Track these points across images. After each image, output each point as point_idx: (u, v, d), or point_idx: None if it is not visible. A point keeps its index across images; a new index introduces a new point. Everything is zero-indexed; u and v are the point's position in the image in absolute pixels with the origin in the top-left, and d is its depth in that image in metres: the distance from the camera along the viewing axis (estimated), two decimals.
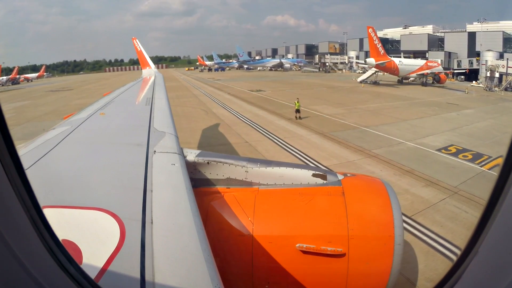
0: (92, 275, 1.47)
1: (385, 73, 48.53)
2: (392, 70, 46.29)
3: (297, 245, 2.69)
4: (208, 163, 3.25)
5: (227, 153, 12.88)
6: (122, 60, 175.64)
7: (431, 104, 27.79)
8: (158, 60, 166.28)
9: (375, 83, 46.78)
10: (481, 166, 12.03)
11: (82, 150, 3.60)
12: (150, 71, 15.66)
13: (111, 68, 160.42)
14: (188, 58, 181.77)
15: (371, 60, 45.77)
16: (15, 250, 1.07)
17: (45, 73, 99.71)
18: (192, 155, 3.27)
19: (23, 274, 1.10)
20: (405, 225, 7.82)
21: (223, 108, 25.96)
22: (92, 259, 1.63)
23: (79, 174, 2.78)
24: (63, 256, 1.28)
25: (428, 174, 11.14)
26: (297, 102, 21.01)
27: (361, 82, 47.36)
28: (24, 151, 3.25)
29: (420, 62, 49.02)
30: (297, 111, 20.67)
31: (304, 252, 2.69)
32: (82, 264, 1.56)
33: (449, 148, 14.35)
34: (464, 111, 24.50)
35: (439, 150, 14.10)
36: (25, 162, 2.48)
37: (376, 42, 46.09)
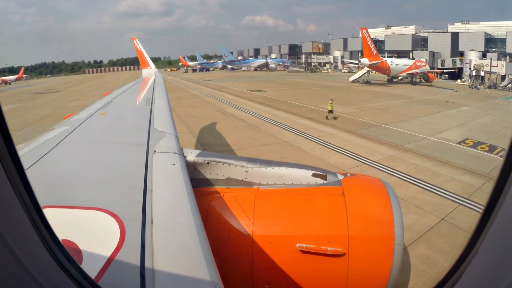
0: (92, 275, 1.47)
1: (376, 73, 49.80)
2: (384, 69, 47.87)
3: (297, 245, 2.68)
4: (208, 163, 3.24)
5: (276, 154, 13.33)
6: (101, 62, 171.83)
7: (429, 102, 28.93)
8: (137, 61, 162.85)
9: (367, 82, 47.98)
10: (500, 156, 13.16)
11: (82, 150, 3.60)
12: (150, 71, 15.65)
13: (90, 69, 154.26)
14: (168, 59, 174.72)
15: (365, 60, 47.10)
16: (15, 250, 1.07)
17: (23, 75, 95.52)
18: (192, 155, 3.27)
19: (23, 274, 1.10)
20: (468, 205, 8.80)
21: (236, 108, 25.65)
22: (92, 259, 1.63)
23: (79, 174, 2.78)
24: (63, 256, 1.28)
25: (461, 163, 12.42)
26: (331, 103, 21.10)
27: (353, 81, 48.51)
28: (24, 151, 3.25)
29: (409, 62, 50.86)
30: (330, 111, 20.84)
31: (304, 252, 2.68)
32: (82, 264, 1.55)
33: (466, 141, 15.78)
34: (462, 108, 26.22)
35: (459, 143, 15.54)
36: (25, 162, 2.48)
37: (369, 42, 47.52)
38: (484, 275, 1.32)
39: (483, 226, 1.29)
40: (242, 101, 30.06)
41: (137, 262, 1.60)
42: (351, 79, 49.89)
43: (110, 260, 1.62)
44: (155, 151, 3.14)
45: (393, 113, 23.09)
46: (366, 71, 48.65)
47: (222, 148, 14.12)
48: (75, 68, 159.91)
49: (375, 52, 47.99)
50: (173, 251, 1.72)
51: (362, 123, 19.81)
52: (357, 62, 55.12)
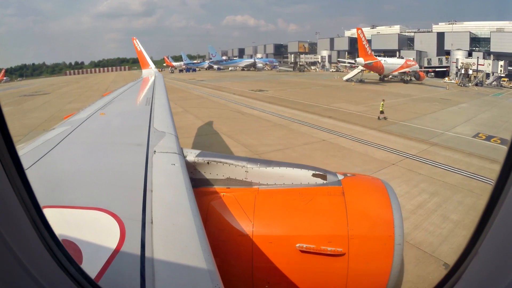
0: (92, 275, 1.47)
1: (366, 71, 51.29)
2: (378, 69, 49.50)
3: (297, 245, 2.68)
4: (208, 163, 3.24)
5: (324, 152, 13.78)
6: (82, 63, 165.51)
7: (429, 100, 30.08)
8: (120, 62, 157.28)
9: (361, 81, 49.30)
10: None
11: (82, 150, 3.60)
12: (150, 71, 15.65)
13: (71, 71, 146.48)
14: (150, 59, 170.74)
15: (360, 60, 48.61)
16: (15, 250, 1.07)
17: (4, 78, 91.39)
18: (192, 155, 3.26)
19: (23, 274, 1.10)
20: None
21: (251, 108, 25.31)
22: (92, 259, 1.63)
23: (79, 174, 2.78)
24: (63, 256, 1.28)
25: (484, 154, 13.57)
26: (383, 103, 21.36)
27: (347, 80, 49.91)
28: (24, 151, 3.25)
29: (401, 61, 52.66)
30: (382, 112, 21.12)
31: (304, 252, 2.68)
32: (82, 264, 1.55)
33: (479, 135, 17.00)
34: (461, 105, 27.84)
35: (473, 137, 16.78)
36: (25, 162, 2.48)
37: (365, 42, 48.95)
38: (484, 275, 1.32)
39: (483, 226, 1.29)
40: (251, 101, 29.85)
41: (137, 262, 1.60)
42: (345, 78, 51.39)
43: (110, 260, 1.61)
44: (155, 151, 3.14)
45: (403, 111, 23.70)
46: (360, 70, 50.14)
47: (269, 148, 14.31)
48: (56, 70, 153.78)
49: (369, 52, 49.55)
50: (173, 251, 1.72)
51: (380, 120, 20.46)
52: (352, 61, 56.70)
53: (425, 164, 12.38)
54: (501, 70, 48.70)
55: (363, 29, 52.56)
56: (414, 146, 14.84)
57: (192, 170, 3.19)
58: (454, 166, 12.18)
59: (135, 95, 9.09)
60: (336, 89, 40.10)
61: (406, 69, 49.93)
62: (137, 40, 17.13)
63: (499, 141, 15.75)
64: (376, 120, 20.42)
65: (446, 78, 53.10)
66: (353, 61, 56.73)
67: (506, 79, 49.14)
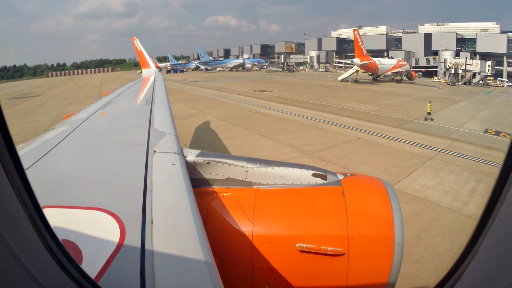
0: (92, 275, 1.47)
1: (361, 72, 52.85)
2: (373, 69, 51.03)
3: (297, 245, 2.68)
4: (208, 163, 3.23)
5: (367, 149, 14.35)
6: (64, 64, 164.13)
7: (429, 99, 30.93)
8: (103, 63, 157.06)
9: (356, 81, 50.48)
10: None
11: (82, 150, 3.60)
12: (150, 71, 15.64)
13: (54, 73, 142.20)
14: (133, 61, 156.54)
15: (357, 60, 49.99)
16: (15, 250, 1.07)
17: None
18: (192, 155, 3.26)
19: (23, 274, 1.10)
20: None
21: (267, 109, 25.24)
22: (92, 259, 1.63)
23: (79, 174, 2.78)
24: (63, 256, 1.28)
25: (500, 148, 14.33)
26: (430, 105, 22.06)
27: (342, 80, 51.20)
28: (24, 151, 3.25)
29: (393, 61, 54.41)
30: (429, 113, 21.72)
31: (304, 252, 2.68)
32: (82, 264, 1.55)
33: (488, 131, 17.96)
34: (460, 104, 29.01)
35: (484, 132, 17.73)
36: (25, 162, 2.48)
37: (361, 43, 50.30)
38: (484, 275, 1.32)
39: (483, 226, 1.29)
40: (262, 101, 29.67)
41: (137, 262, 1.60)
42: (340, 78, 52.63)
43: (110, 260, 1.61)
44: (155, 151, 3.15)
45: (410, 110, 24.13)
46: (355, 70, 51.47)
47: (314, 148, 14.47)
48: (37, 71, 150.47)
49: (365, 52, 51.02)
50: (173, 251, 1.72)
51: (396, 119, 20.94)
52: (349, 62, 58.27)
53: (457, 157, 13.34)
54: (488, 70, 50.93)
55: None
56: (440, 142, 15.67)
57: (192, 170, 3.18)
58: (482, 158, 13.08)
59: (135, 95, 9.09)
60: (337, 89, 40.32)
61: (399, 69, 51.63)
62: (137, 39, 17.16)
63: (508, 136, 16.69)
64: (395, 118, 20.97)
65: (435, 78, 55.30)
66: (349, 62, 57.84)
67: (491, 78, 52.02)
